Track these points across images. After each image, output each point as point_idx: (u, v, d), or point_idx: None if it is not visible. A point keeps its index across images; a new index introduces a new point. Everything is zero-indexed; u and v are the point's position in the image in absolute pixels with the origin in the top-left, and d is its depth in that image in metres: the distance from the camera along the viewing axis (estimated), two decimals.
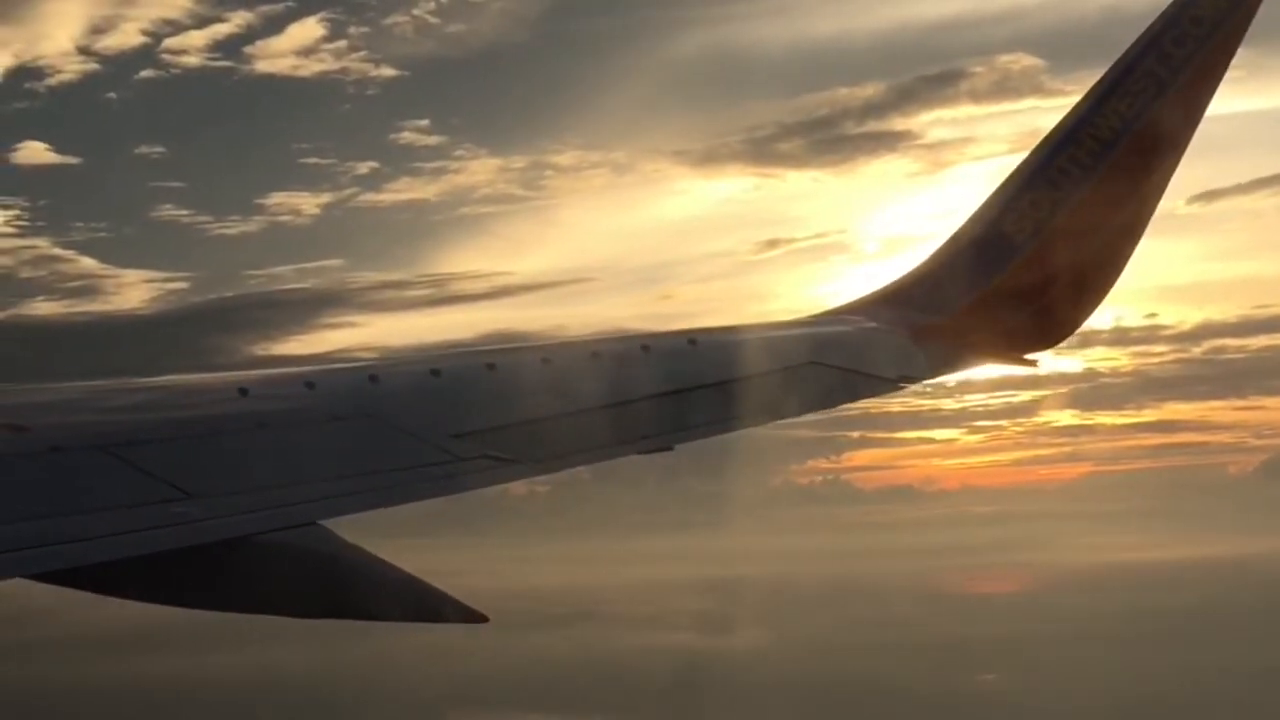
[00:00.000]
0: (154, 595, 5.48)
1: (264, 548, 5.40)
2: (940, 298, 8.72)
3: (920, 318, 8.68)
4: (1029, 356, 8.78)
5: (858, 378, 8.12)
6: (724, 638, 61.09)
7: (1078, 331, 8.95)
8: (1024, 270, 8.59)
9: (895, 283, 9.06)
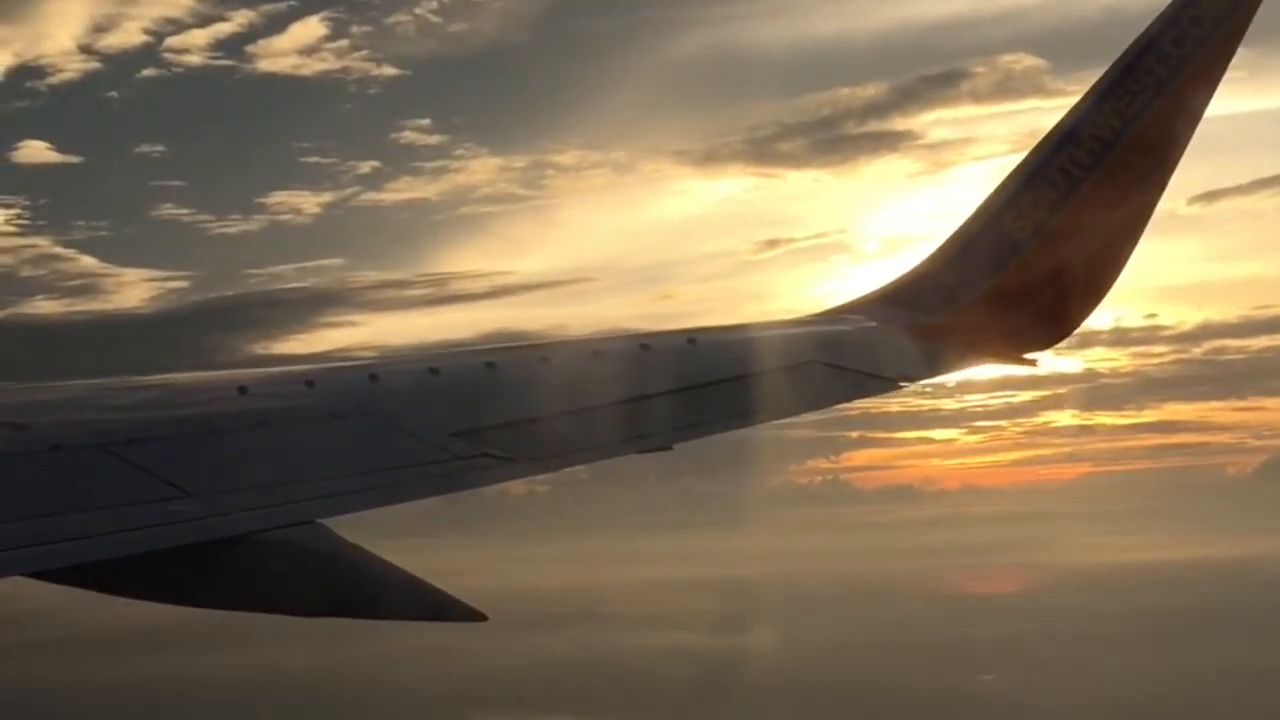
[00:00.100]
0: (154, 594, 5.49)
1: (263, 546, 5.40)
2: (940, 297, 8.72)
3: (920, 317, 8.69)
4: (1029, 356, 8.78)
5: (858, 377, 8.12)
6: (723, 638, 61.08)
7: (1077, 331, 8.95)
8: (1024, 270, 8.59)
9: (895, 282, 9.06)
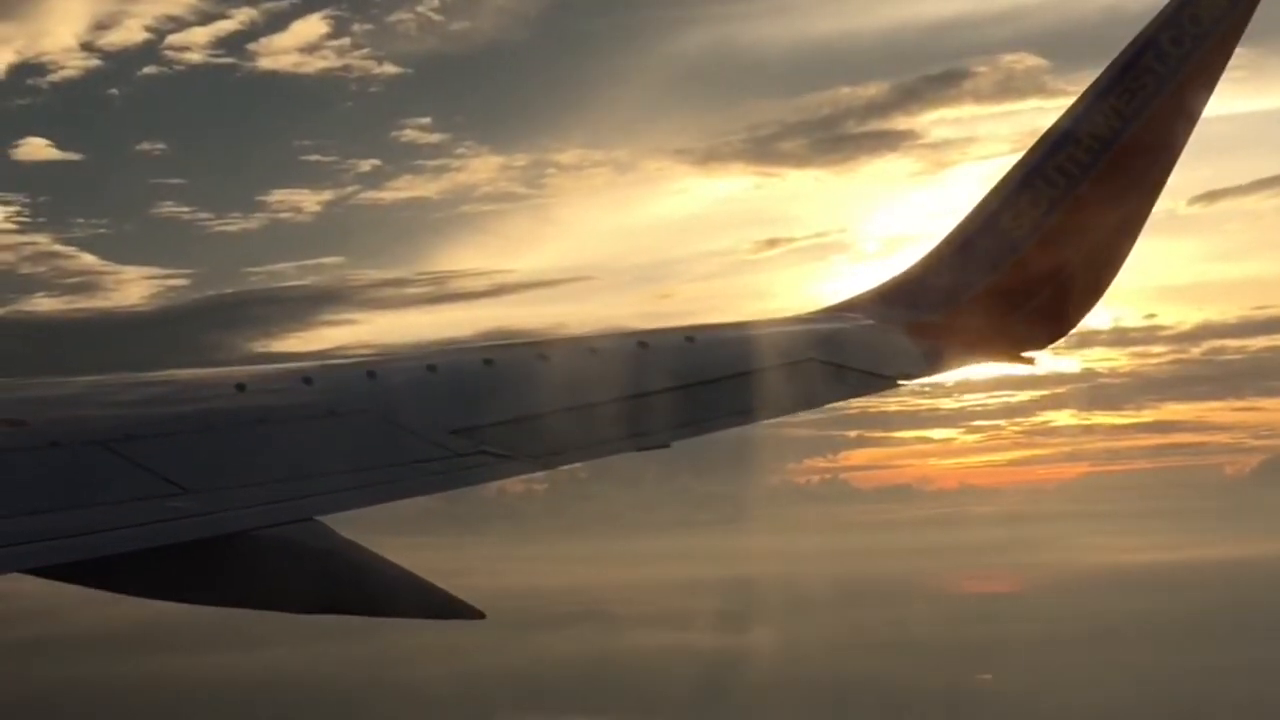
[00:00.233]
0: (152, 590, 5.49)
1: (261, 543, 5.40)
2: (938, 295, 8.71)
3: (918, 315, 8.68)
4: (1026, 355, 8.77)
5: (855, 375, 8.13)
6: (723, 637, 61.08)
7: (1076, 331, 8.95)
8: (1022, 268, 8.58)
9: (893, 280, 9.05)
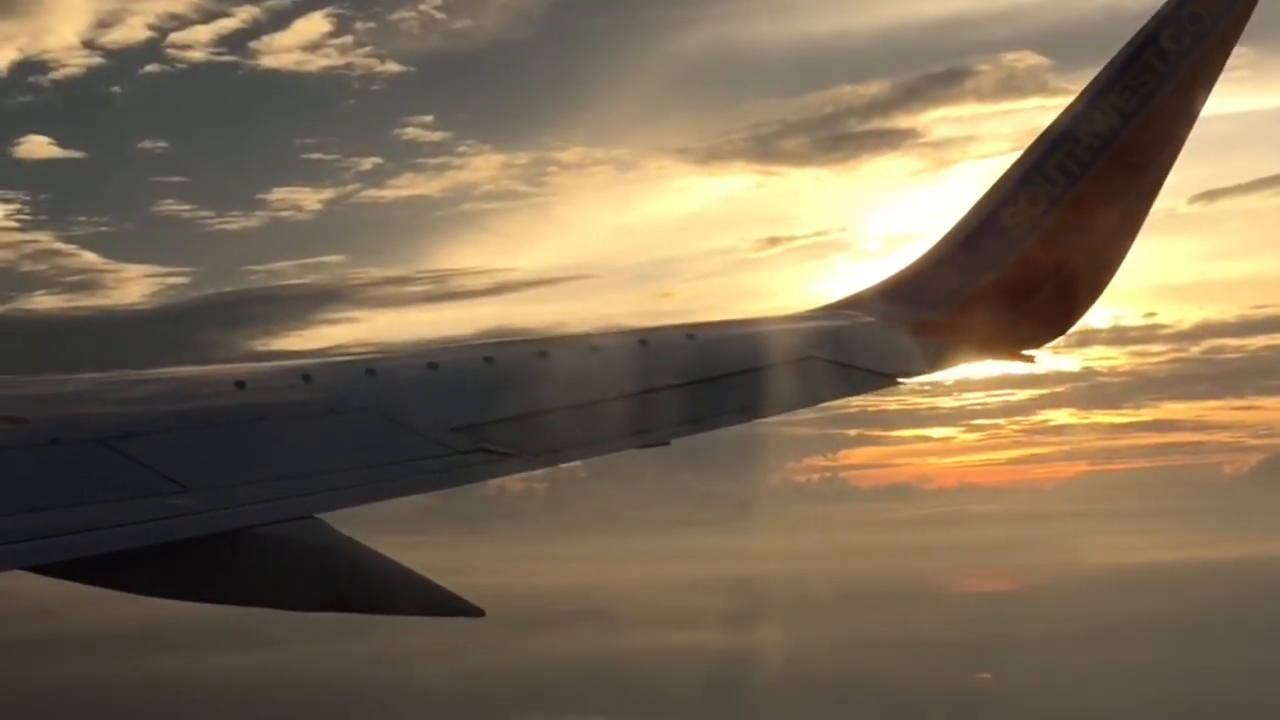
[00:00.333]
0: (151, 588, 5.48)
1: (261, 540, 5.40)
2: (938, 293, 8.71)
3: (918, 313, 8.68)
4: (1027, 353, 8.78)
5: (855, 372, 8.13)
6: (722, 636, 61.09)
7: (1076, 330, 8.95)
8: (1021, 266, 8.59)
9: (893, 277, 9.05)
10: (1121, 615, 68.83)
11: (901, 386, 8.40)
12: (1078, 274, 8.69)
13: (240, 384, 6.42)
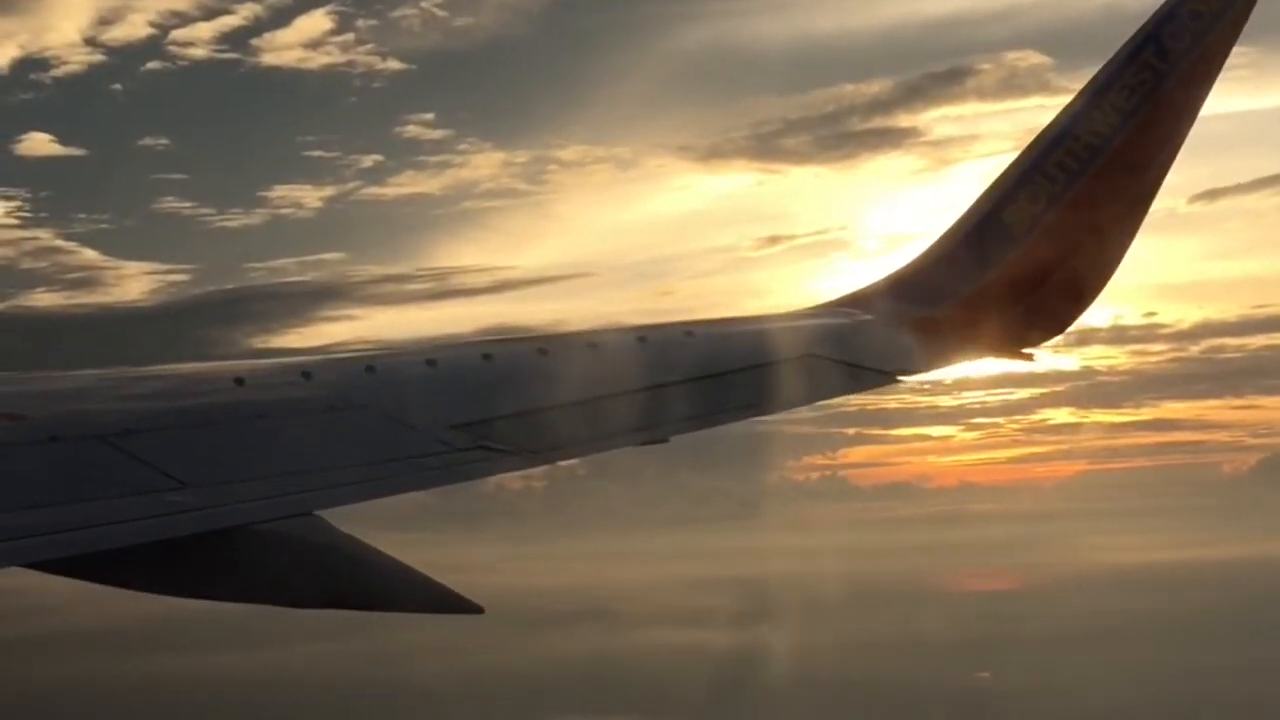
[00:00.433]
0: (151, 585, 5.48)
1: (260, 537, 5.40)
2: (937, 290, 8.72)
3: (917, 310, 8.69)
4: (1026, 351, 8.79)
5: (855, 370, 8.13)
6: (722, 635, 61.09)
7: (1076, 329, 8.96)
8: (1021, 263, 8.59)
9: (892, 275, 9.06)
10: (1121, 614, 68.81)
11: (901, 385, 8.40)
12: (1077, 272, 8.70)
13: (240, 381, 6.43)
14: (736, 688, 52.07)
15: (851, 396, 8.26)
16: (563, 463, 6.71)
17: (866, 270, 9.35)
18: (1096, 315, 9.05)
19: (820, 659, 58.34)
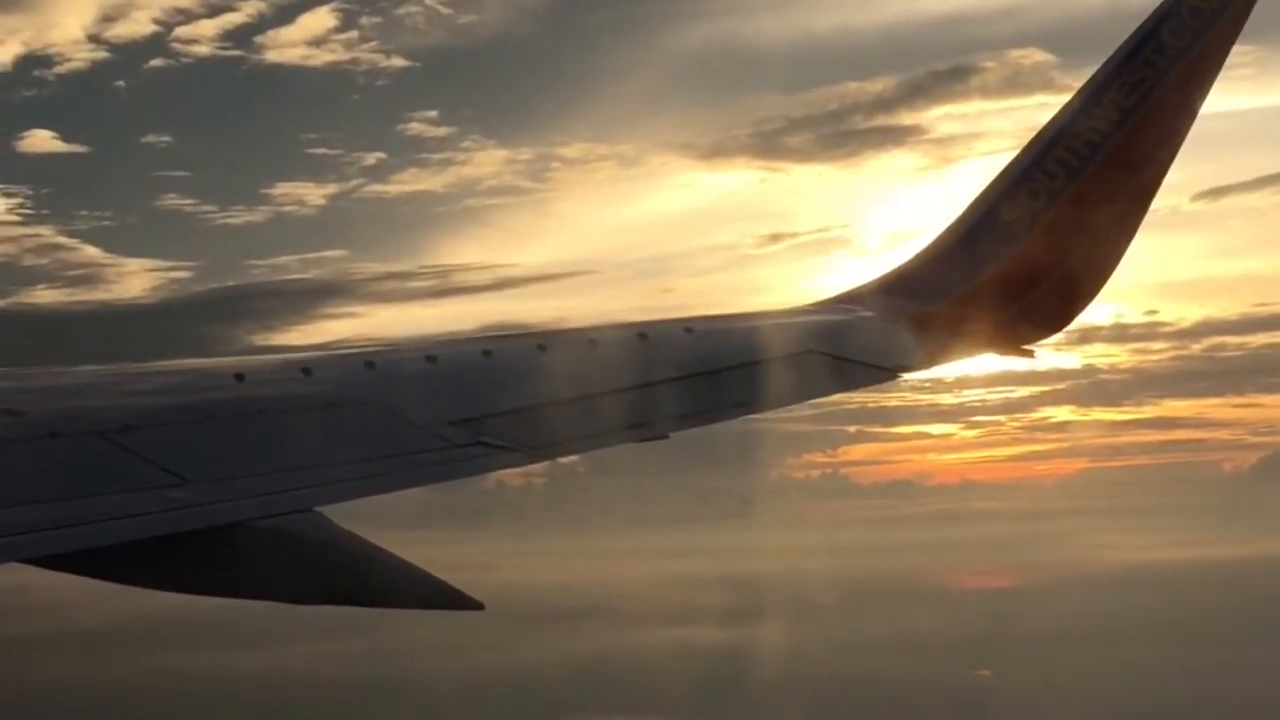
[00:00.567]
0: (150, 581, 5.48)
1: (260, 533, 5.40)
2: (937, 287, 8.72)
3: (917, 307, 8.69)
4: (1026, 347, 8.79)
5: (854, 367, 8.13)
6: (722, 633, 61.11)
7: (1077, 327, 8.96)
8: (1021, 260, 8.59)
9: (893, 272, 9.06)
10: (1122, 612, 68.81)
11: (901, 383, 8.41)
12: (1077, 270, 8.70)
13: (240, 377, 6.43)
14: (736, 685, 52.08)
15: (852, 393, 8.27)
16: (562, 459, 6.72)
17: (868, 268, 9.34)
18: (1098, 313, 9.06)
19: (820, 657, 58.39)
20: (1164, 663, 57.87)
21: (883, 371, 8.21)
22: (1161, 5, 8.50)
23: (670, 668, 54.94)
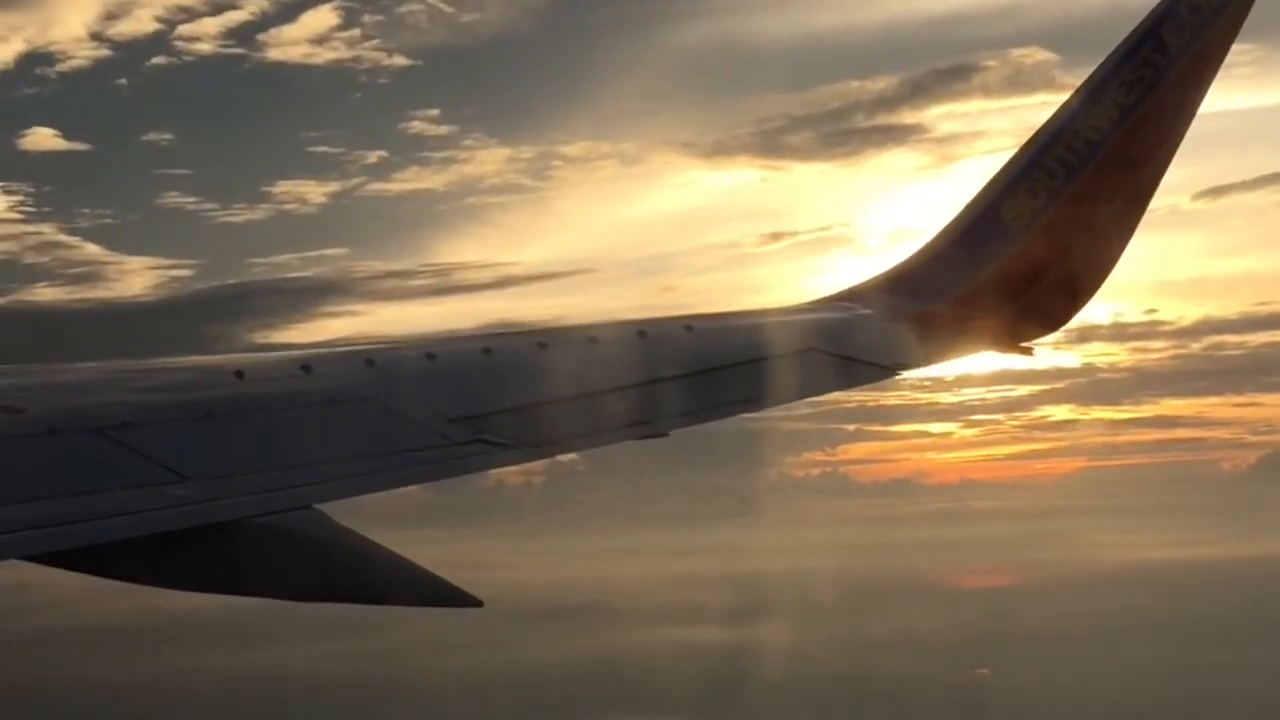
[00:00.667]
0: (150, 578, 5.49)
1: (259, 531, 5.40)
2: (937, 285, 8.72)
3: (917, 305, 8.69)
4: (1025, 345, 8.79)
5: (855, 365, 8.13)
6: (722, 632, 61.11)
7: (1076, 326, 8.96)
8: (1020, 259, 8.60)
9: (892, 270, 9.06)
10: (1121, 611, 68.83)
11: (900, 382, 8.42)
12: (1077, 268, 8.70)
13: (239, 374, 6.42)
14: (735, 684, 52.08)
15: (852, 392, 8.27)
16: (562, 457, 6.72)
17: (869, 266, 9.33)
18: (1097, 312, 9.05)
19: (819, 655, 58.38)
20: (1163, 662, 57.89)
21: (882, 370, 8.21)
22: (1161, 4, 8.49)
23: (670, 666, 54.95)
